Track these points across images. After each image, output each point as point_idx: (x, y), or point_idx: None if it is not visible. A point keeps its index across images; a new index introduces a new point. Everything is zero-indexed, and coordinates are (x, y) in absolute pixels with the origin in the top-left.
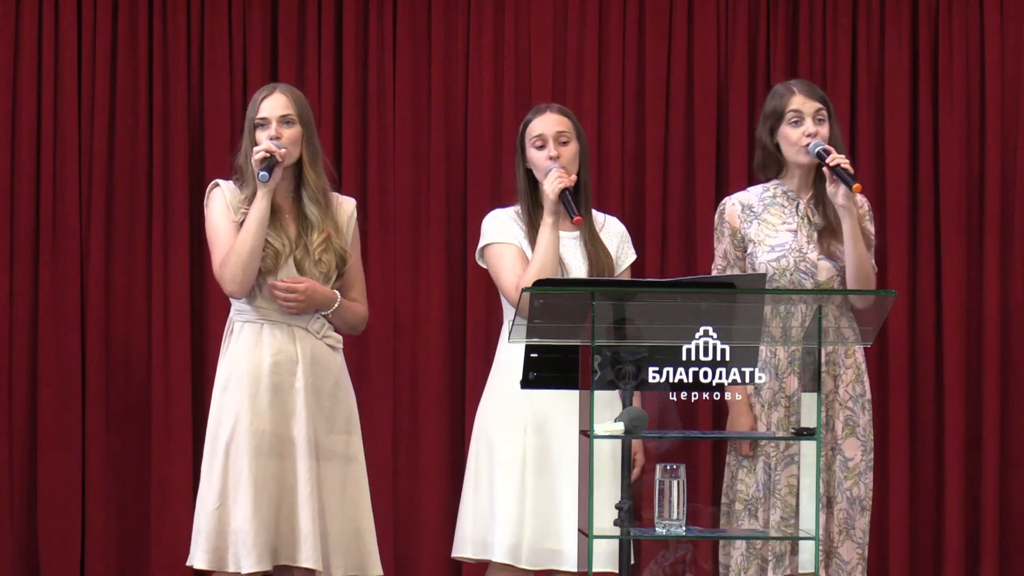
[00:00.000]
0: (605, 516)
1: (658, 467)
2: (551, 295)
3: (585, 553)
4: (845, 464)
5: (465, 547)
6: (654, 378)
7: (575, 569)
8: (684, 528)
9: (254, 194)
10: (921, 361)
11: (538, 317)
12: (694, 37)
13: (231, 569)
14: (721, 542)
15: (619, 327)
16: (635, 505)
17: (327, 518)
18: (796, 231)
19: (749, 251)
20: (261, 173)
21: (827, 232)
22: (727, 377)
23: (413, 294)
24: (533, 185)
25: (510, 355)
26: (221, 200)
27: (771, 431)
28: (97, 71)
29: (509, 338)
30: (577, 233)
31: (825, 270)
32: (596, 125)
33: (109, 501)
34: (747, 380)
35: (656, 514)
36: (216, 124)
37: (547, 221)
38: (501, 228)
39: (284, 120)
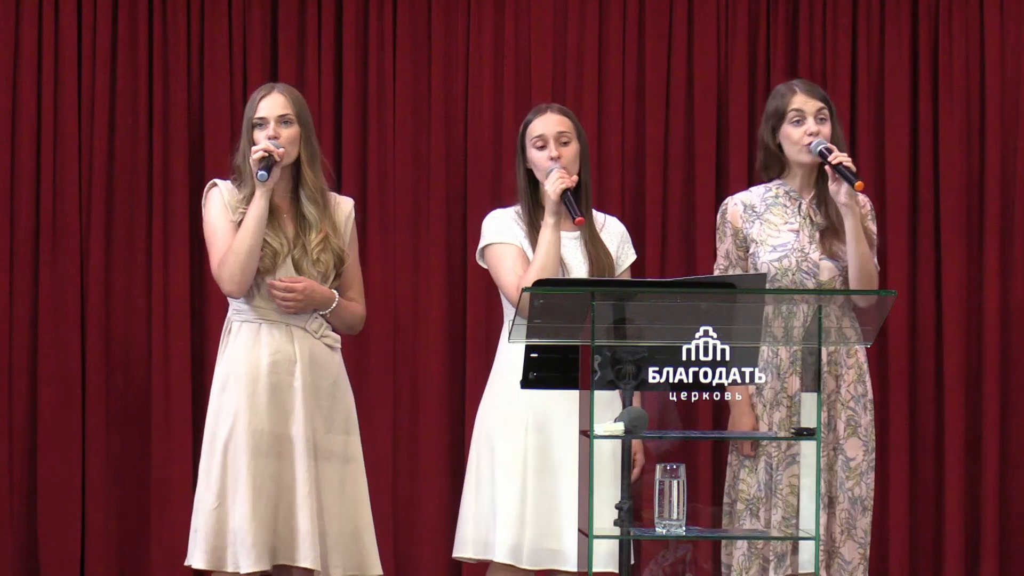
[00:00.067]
0: (605, 516)
1: (658, 467)
2: (551, 295)
3: (585, 553)
4: (847, 464)
5: (466, 547)
6: (654, 378)
7: (576, 569)
8: (684, 528)
9: (252, 194)
10: (921, 361)
11: (538, 317)
12: (694, 37)
13: (230, 569)
14: (723, 542)
15: (619, 327)
16: (635, 505)
17: (325, 518)
18: (798, 231)
19: (751, 251)
20: (259, 172)
21: (829, 232)
22: (727, 377)
23: (413, 294)
24: (533, 185)
25: (510, 355)
26: (219, 200)
27: (773, 431)
28: (97, 71)
29: (509, 338)
30: (578, 233)
31: (827, 270)
32: (596, 125)
33: (109, 501)
34: (747, 380)
35: (656, 514)
36: (216, 124)
37: (548, 221)
38: (501, 228)
39: (282, 120)
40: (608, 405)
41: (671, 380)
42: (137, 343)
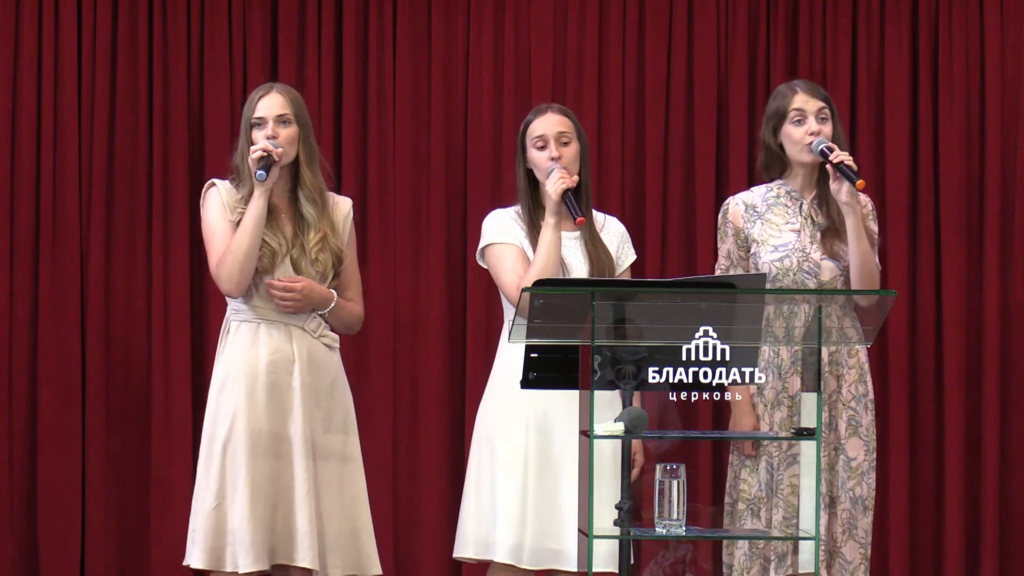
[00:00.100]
0: (605, 516)
1: (658, 467)
2: (551, 295)
3: (585, 553)
4: (848, 464)
5: (467, 547)
6: (654, 378)
7: (576, 569)
8: (684, 528)
9: (250, 193)
10: (921, 361)
11: (538, 317)
12: (694, 37)
13: (228, 569)
14: (724, 542)
15: (619, 327)
16: (635, 505)
17: (324, 518)
18: (799, 231)
19: (752, 251)
20: (258, 172)
21: (830, 232)
22: (727, 377)
23: (413, 294)
24: (534, 185)
25: (511, 355)
26: (217, 200)
27: (774, 431)
28: (97, 71)
29: (509, 338)
30: (578, 233)
31: (828, 270)
32: (596, 125)
33: (109, 501)
34: (747, 380)
35: (656, 514)
36: (216, 124)
37: (549, 222)
38: (502, 228)
39: (281, 120)
40: (608, 405)
41: (671, 380)
42: (137, 343)
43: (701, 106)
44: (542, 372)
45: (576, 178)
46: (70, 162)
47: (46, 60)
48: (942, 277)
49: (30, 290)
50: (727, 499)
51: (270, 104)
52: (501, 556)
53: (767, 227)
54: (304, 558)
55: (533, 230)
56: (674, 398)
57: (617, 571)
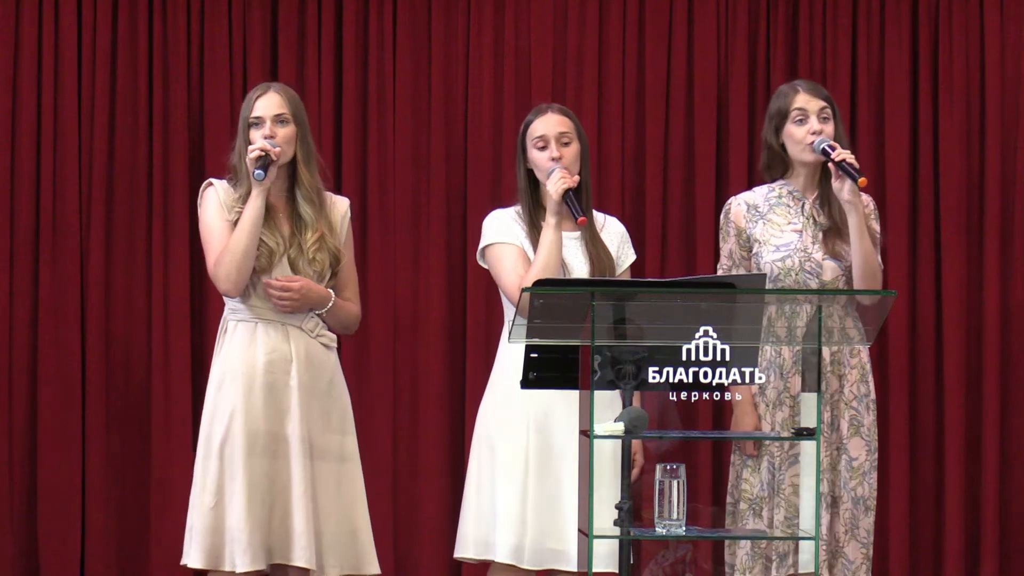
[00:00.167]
0: (605, 516)
1: (658, 467)
2: (551, 295)
3: (585, 553)
4: (850, 464)
5: (467, 547)
6: (654, 378)
7: (577, 569)
8: (684, 528)
9: (248, 193)
10: (921, 361)
11: (538, 317)
12: (694, 37)
13: (227, 568)
14: (727, 542)
15: (619, 327)
16: (635, 505)
17: (321, 517)
18: (801, 231)
19: (754, 251)
20: (256, 171)
21: (832, 232)
22: (727, 377)
23: (413, 294)
24: (534, 185)
25: (511, 355)
26: (215, 199)
27: (776, 431)
28: (97, 71)
29: (509, 338)
30: (578, 234)
31: (830, 270)
32: (596, 125)
33: (109, 501)
34: (747, 380)
35: (656, 514)
36: (216, 124)
37: (550, 222)
38: (502, 228)
39: (278, 119)
40: (608, 405)
41: (671, 380)
42: (137, 343)
43: (701, 106)
44: (542, 372)
45: (577, 178)
46: (70, 162)
47: (46, 60)
48: (942, 277)
49: (30, 290)
50: (729, 499)
51: (268, 104)
52: (502, 556)
53: (769, 227)
54: (300, 558)
55: (533, 230)
56: (674, 398)
57: (617, 571)
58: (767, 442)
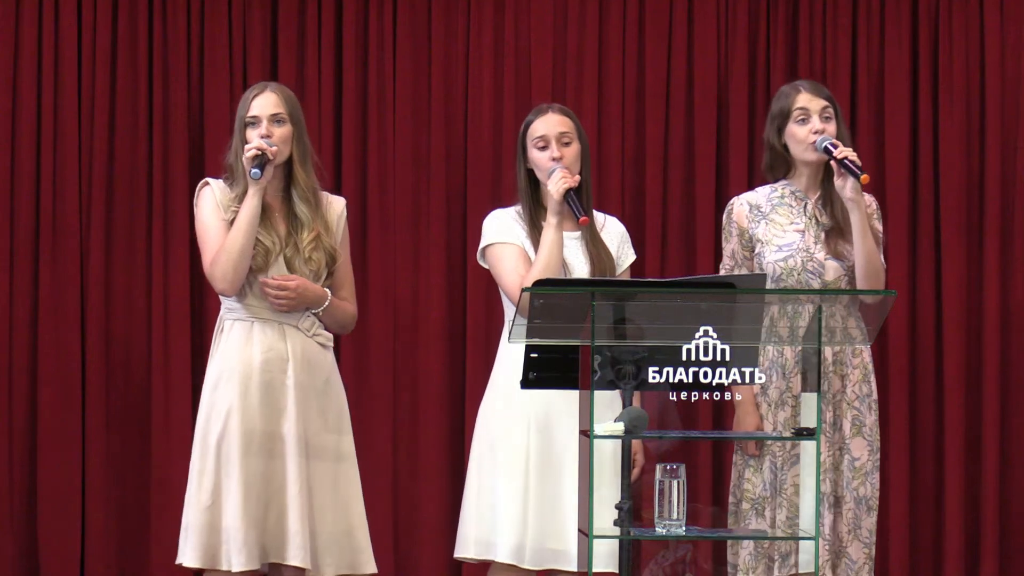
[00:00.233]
0: (605, 516)
1: (658, 467)
2: (551, 295)
3: (585, 553)
4: (852, 464)
5: (468, 547)
6: (654, 378)
7: (578, 569)
8: (684, 528)
9: (244, 192)
10: (921, 361)
11: (538, 317)
12: (694, 37)
13: (223, 567)
14: (729, 542)
15: (619, 327)
16: (635, 505)
17: (317, 517)
18: (803, 231)
19: (757, 251)
20: (253, 171)
21: (835, 232)
22: (727, 377)
23: (413, 294)
24: (534, 185)
25: (511, 355)
26: (211, 199)
27: (778, 431)
28: (97, 71)
29: (509, 338)
30: (579, 234)
31: (832, 270)
32: (596, 125)
33: (109, 501)
34: (747, 380)
35: (656, 514)
36: (216, 124)
37: (551, 221)
38: (502, 228)
39: (275, 119)
40: (608, 405)
41: (671, 380)
42: (137, 343)
43: (701, 106)
44: (542, 372)
45: (578, 177)
46: (70, 162)
47: (46, 60)
48: (942, 277)
49: (30, 290)
50: (731, 499)
51: (264, 103)
52: (502, 556)
53: (771, 227)
54: (296, 557)
55: (534, 230)
56: (674, 398)
57: (617, 571)
58: (769, 442)
